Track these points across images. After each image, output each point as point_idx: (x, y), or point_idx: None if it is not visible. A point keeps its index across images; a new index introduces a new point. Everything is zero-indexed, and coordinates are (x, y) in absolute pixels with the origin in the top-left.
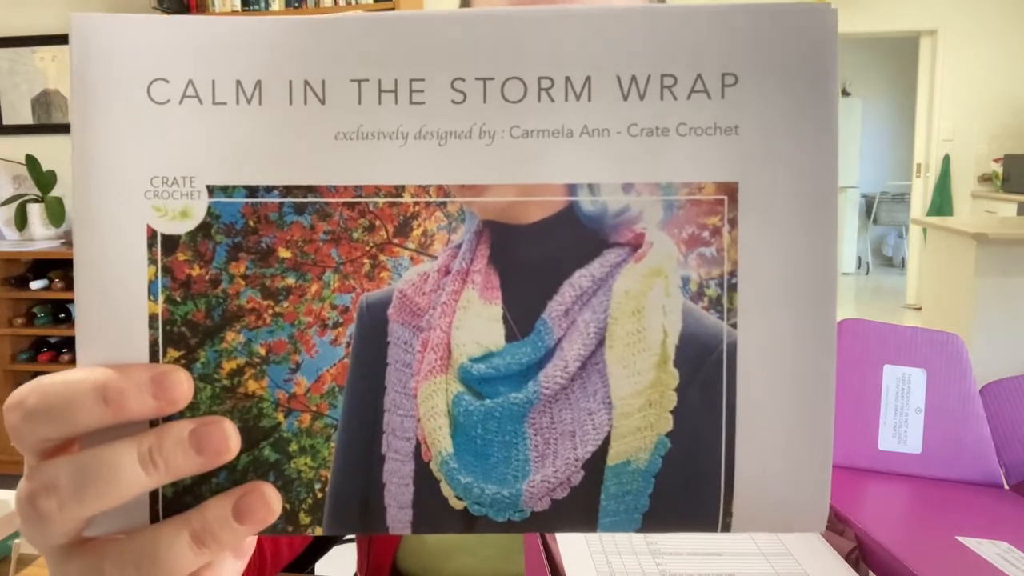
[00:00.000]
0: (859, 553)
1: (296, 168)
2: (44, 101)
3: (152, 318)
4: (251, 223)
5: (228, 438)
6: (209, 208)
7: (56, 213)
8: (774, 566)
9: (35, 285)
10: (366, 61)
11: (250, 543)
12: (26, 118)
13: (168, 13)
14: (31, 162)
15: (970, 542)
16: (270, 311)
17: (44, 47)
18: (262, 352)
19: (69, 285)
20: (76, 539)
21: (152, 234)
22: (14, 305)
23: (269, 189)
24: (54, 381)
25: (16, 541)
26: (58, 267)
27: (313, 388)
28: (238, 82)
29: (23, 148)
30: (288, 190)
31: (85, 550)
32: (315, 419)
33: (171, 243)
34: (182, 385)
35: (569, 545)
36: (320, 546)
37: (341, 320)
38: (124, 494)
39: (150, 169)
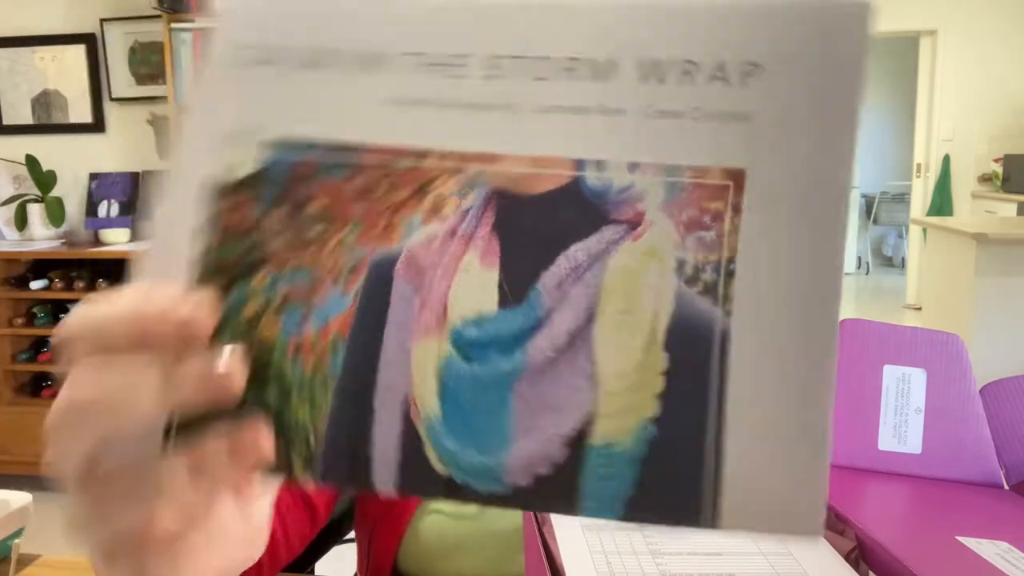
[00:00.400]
0: (859, 553)
1: (344, 128)
2: (44, 101)
3: (193, 261)
4: (295, 176)
5: (237, 377)
6: (262, 160)
7: (56, 213)
8: (774, 566)
9: (35, 285)
10: (420, 38)
11: (262, 528)
12: (26, 118)
13: (168, 12)
14: (31, 162)
15: (970, 542)
16: (295, 259)
17: (44, 47)
18: (281, 298)
19: (69, 285)
20: (87, 469)
21: (208, 182)
22: (14, 305)
23: (317, 146)
24: (97, 304)
25: (16, 541)
26: (58, 267)
27: (320, 336)
28: (311, 48)
29: (23, 148)
30: (332, 147)
31: (93, 482)
32: (317, 368)
33: (224, 191)
34: (206, 319)
35: (569, 545)
36: (320, 546)
37: (353, 273)
38: (137, 421)
39: (223, 122)
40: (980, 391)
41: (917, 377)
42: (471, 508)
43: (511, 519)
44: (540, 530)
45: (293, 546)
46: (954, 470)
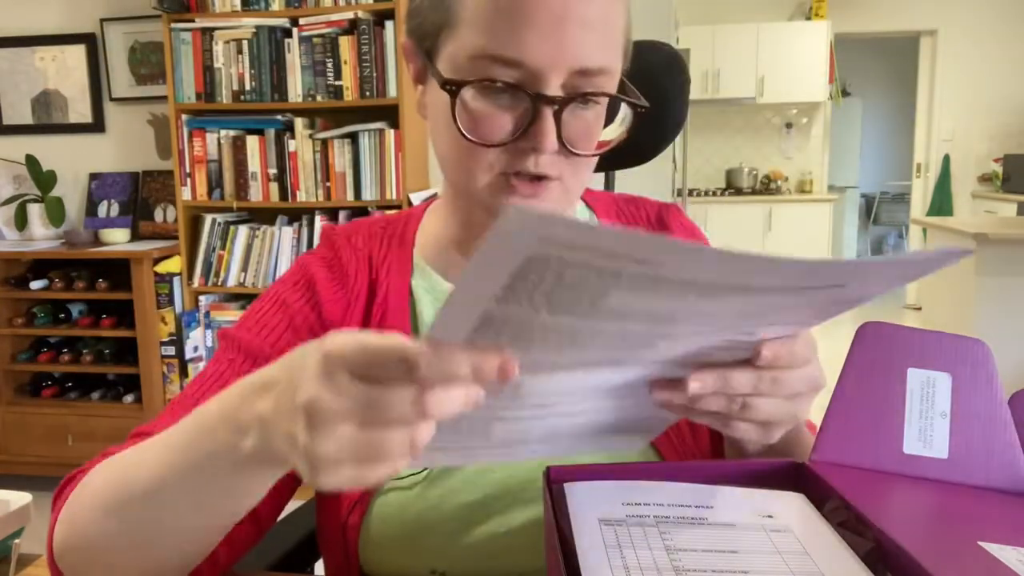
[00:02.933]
0: (877, 554)
1: None
2: (44, 101)
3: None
4: None
5: None
6: None
7: (56, 213)
8: (790, 565)
9: (35, 285)
10: None
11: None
12: (26, 118)
13: (168, 12)
14: (31, 162)
15: (992, 548)
16: None
17: (44, 47)
18: None
19: (69, 285)
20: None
21: None
22: (14, 305)
23: None
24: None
25: (16, 541)
26: (58, 267)
27: None
28: None
29: (23, 148)
30: None
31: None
32: None
33: None
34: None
35: (585, 539)
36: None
37: None
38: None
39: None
40: (1009, 399)
41: (942, 381)
42: (422, 475)
43: (474, 490)
44: (558, 523)
45: (237, 552)
46: (980, 476)
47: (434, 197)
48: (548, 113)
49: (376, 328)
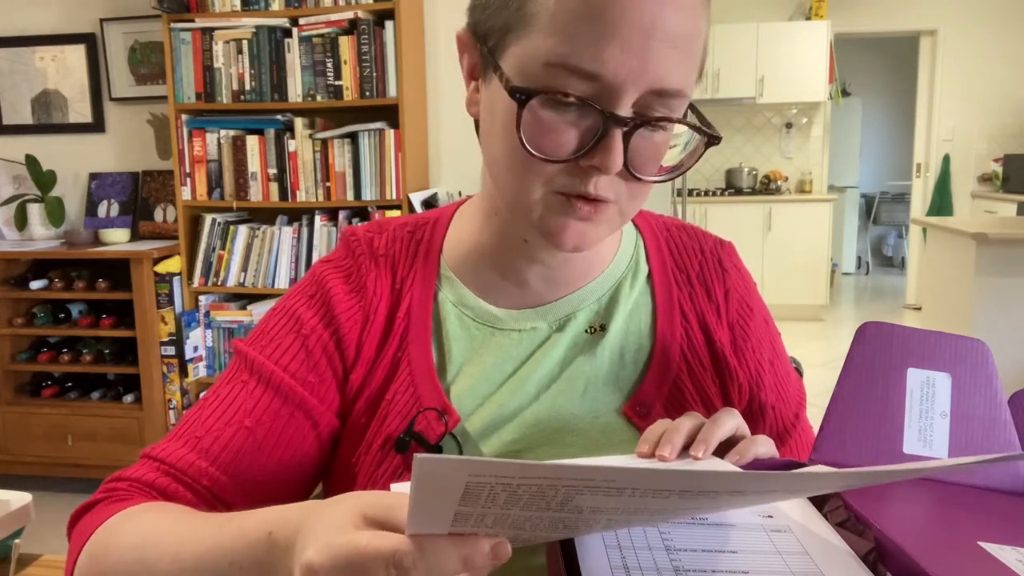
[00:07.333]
0: (877, 554)
1: None
2: (44, 101)
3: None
4: None
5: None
6: None
7: (56, 213)
8: (790, 565)
9: (35, 285)
10: None
11: None
12: (26, 118)
13: (168, 12)
14: (31, 162)
15: (992, 548)
16: None
17: (44, 47)
18: None
19: (69, 285)
20: None
21: None
22: (14, 305)
23: None
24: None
25: (16, 541)
26: (58, 267)
27: None
28: None
29: (23, 148)
30: None
31: None
32: None
33: None
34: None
35: (585, 538)
36: None
37: None
38: None
39: None
40: (1009, 399)
41: (942, 381)
42: None
43: None
44: None
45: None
46: (980, 476)
47: (442, 199)
48: (617, 134)
49: (398, 341)
